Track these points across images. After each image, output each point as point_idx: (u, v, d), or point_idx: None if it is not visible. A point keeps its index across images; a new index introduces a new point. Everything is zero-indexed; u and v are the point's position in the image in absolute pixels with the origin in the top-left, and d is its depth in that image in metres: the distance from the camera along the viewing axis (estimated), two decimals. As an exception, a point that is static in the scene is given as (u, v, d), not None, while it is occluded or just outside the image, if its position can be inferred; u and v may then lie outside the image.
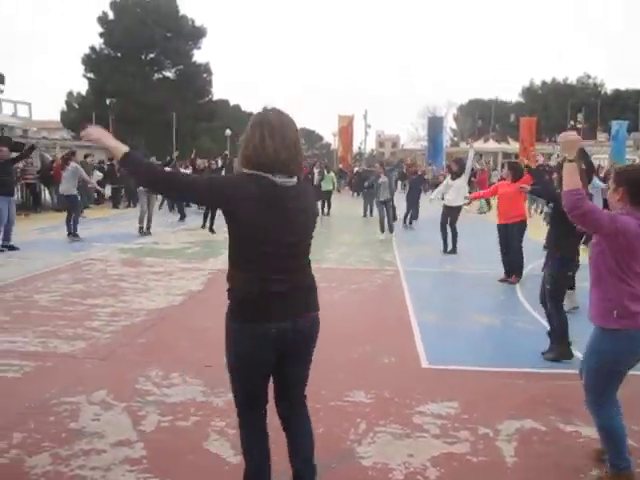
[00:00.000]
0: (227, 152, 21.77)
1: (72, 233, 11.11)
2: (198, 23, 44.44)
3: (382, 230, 12.13)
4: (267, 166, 2.17)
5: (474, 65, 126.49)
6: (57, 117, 43.61)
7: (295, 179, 2.25)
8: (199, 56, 45.50)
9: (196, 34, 44.36)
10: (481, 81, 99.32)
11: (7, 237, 9.68)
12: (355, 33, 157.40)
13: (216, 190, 2.20)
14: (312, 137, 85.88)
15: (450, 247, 10.26)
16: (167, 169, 2.45)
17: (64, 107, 43.00)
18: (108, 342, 4.97)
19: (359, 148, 53.54)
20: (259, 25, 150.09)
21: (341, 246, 11.05)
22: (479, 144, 39.73)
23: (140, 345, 4.95)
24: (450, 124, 61.40)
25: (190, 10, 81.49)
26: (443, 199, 10.90)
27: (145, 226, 12.20)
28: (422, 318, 5.89)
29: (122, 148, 2.19)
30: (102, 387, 3.97)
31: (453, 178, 10.45)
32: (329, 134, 51.46)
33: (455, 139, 63.80)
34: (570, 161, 2.71)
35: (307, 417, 2.60)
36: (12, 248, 9.56)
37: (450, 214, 10.31)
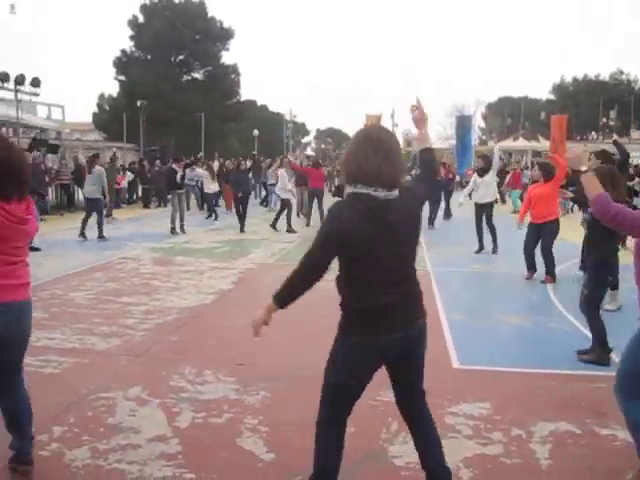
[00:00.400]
0: (254, 152, 21.95)
1: (82, 234, 11.12)
2: (226, 25, 44.82)
3: None
4: (371, 181, 2.24)
5: (503, 62, 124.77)
6: (89, 119, 44.42)
7: (397, 192, 2.29)
8: (227, 57, 45.85)
9: (224, 36, 44.69)
10: (510, 79, 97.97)
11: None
12: (358, 33, 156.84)
13: (336, 239, 2.28)
14: (339, 136, 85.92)
15: (488, 246, 10.18)
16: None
17: (96, 109, 43.78)
18: (142, 340, 5.07)
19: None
20: (278, 24, 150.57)
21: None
22: (508, 142, 39.23)
23: (173, 343, 5.04)
24: (479, 122, 60.68)
25: (219, 12, 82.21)
26: (471, 198, 10.84)
27: (178, 225, 12.40)
28: (452, 318, 5.86)
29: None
30: (137, 383, 4.06)
31: (481, 175, 10.36)
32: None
33: (484, 137, 63.06)
34: (585, 172, 2.72)
35: (430, 416, 2.71)
36: (34, 249, 9.74)
37: (484, 211, 10.22)
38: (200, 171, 17.00)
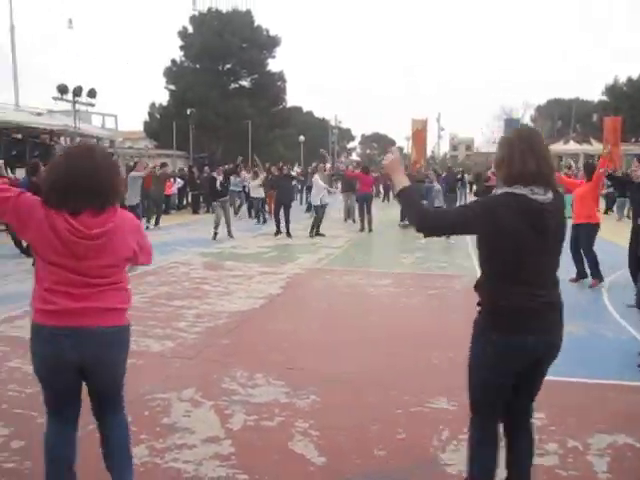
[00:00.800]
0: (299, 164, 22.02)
1: None
2: (272, 32, 45.46)
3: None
4: (529, 182, 2.25)
5: (553, 64, 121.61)
6: (140, 127, 45.79)
7: (551, 194, 2.30)
8: (273, 65, 46.50)
9: (270, 43, 45.35)
10: (560, 80, 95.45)
11: None
12: (359, 33, 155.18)
13: (486, 215, 2.28)
14: (384, 141, 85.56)
15: None
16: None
17: (147, 118, 45.08)
18: (194, 342, 5.19)
19: (432, 152, 52.84)
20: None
21: (416, 251, 10.97)
22: (559, 146, 38.18)
23: (224, 346, 5.14)
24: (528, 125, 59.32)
25: (265, 20, 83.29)
26: None
27: (225, 231, 12.64)
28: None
29: (403, 182, 2.42)
30: (191, 385, 4.16)
31: None
32: (401, 138, 51.12)
33: (533, 141, 61.41)
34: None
35: (531, 433, 2.62)
36: None
37: None
38: (245, 175, 17.28)
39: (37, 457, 3.14)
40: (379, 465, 3.11)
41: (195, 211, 19.70)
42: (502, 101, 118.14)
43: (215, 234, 12.53)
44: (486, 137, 58.91)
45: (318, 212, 13.35)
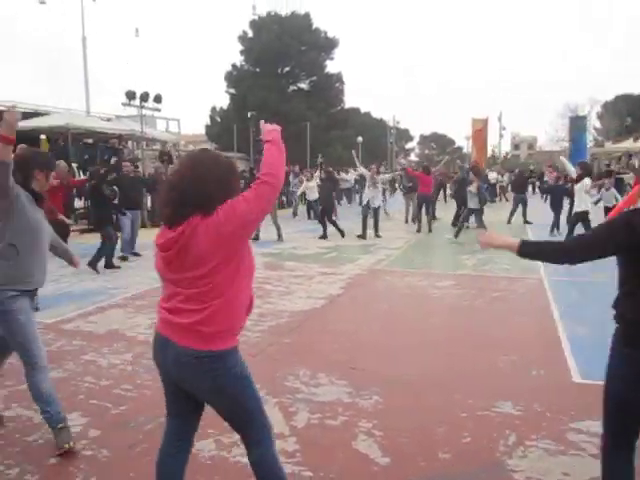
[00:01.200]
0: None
1: None
2: (330, 34, 45.64)
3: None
4: None
5: (620, 58, 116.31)
6: (202, 131, 46.99)
7: None
8: (332, 66, 46.69)
9: (329, 45, 45.55)
10: (629, 74, 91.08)
11: (132, 246, 10.55)
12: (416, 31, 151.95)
13: (623, 236, 2.22)
14: (443, 141, 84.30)
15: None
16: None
17: (208, 121, 46.20)
18: (258, 340, 5.29)
19: (492, 151, 51.59)
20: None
21: (478, 252, 10.75)
22: (628, 144, 36.40)
23: (287, 345, 5.22)
24: (594, 123, 56.89)
25: (323, 22, 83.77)
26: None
27: (277, 234, 12.75)
28: (571, 329, 5.57)
29: (514, 245, 2.42)
30: (257, 382, 4.22)
31: (577, 181, 10.42)
32: (461, 138, 50.21)
33: (600, 139, 59.05)
34: None
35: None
36: (136, 254, 10.44)
37: (580, 220, 10.09)
38: (302, 178, 17.48)
39: (113, 446, 3.30)
40: (444, 468, 3.09)
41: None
42: (567, 98, 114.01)
43: (256, 235, 12.43)
44: (550, 135, 56.93)
45: (365, 213, 13.35)
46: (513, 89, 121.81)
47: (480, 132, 36.44)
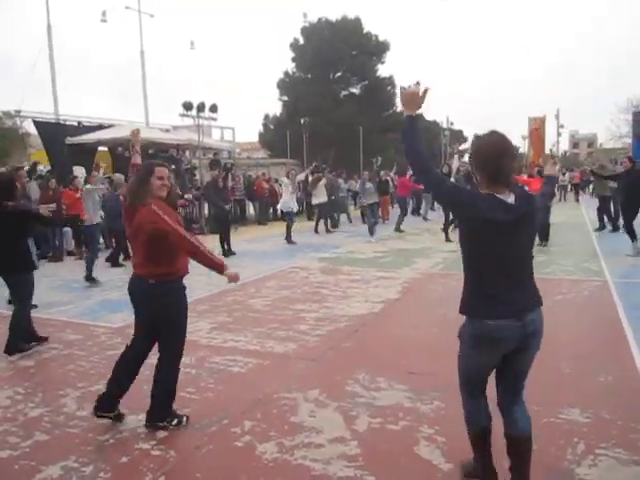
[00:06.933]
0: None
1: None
2: (381, 38, 45.47)
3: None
4: None
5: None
6: (256, 138, 47.72)
7: None
8: (383, 70, 46.45)
9: (380, 49, 45.39)
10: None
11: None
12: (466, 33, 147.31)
13: None
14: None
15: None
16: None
17: (261, 129, 46.88)
18: (316, 345, 5.33)
19: (550, 150, 49.90)
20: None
21: (538, 254, 10.43)
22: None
23: (345, 349, 5.23)
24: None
25: (374, 26, 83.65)
26: None
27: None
28: (641, 334, 5.33)
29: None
30: (315, 386, 4.28)
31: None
32: (517, 137, 48.77)
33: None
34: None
35: None
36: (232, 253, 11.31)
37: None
38: (354, 183, 17.51)
39: (180, 447, 3.41)
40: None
41: (310, 218, 20.16)
42: (630, 92, 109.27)
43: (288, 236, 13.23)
44: (611, 132, 54.36)
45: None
46: (572, 85, 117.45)
47: (537, 131, 35.46)
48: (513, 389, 2.77)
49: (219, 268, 3.50)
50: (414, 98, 2.64)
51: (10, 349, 5.27)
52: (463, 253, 2.62)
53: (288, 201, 13.66)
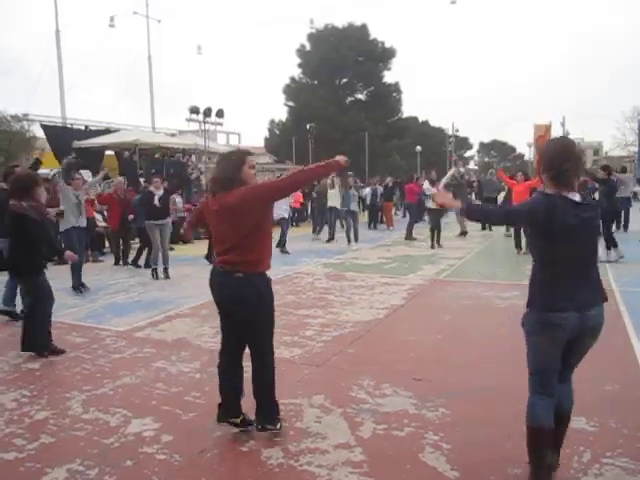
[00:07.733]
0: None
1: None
2: (388, 44, 45.63)
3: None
4: None
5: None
6: (261, 143, 47.90)
7: None
8: (389, 76, 46.61)
9: (386, 55, 45.59)
10: None
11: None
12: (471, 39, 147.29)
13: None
14: (503, 149, 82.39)
15: None
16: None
17: (267, 134, 47.07)
18: (321, 350, 5.33)
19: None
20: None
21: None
22: None
23: (350, 355, 5.23)
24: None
25: (380, 33, 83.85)
26: None
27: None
28: (649, 344, 5.31)
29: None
30: (320, 392, 4.28)
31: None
32: (523, 144, 48.81)
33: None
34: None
35: None
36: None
37: None
38: (368, 190, 17.53)
39: (185, 451, 3.41)
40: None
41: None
42: (635, 101, 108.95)
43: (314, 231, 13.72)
44: (617, 140, 54.15)
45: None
46: (576, 93, 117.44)
47: (543, 138, 35.33)
48: (564, 370, 3.04)
49: (330, 165, 3.37)
50: (446, 202, 3.01)
51: (37, 348, 5.27)
52: (536, 255, 2.84)
53: (279, 207, 13.54)
